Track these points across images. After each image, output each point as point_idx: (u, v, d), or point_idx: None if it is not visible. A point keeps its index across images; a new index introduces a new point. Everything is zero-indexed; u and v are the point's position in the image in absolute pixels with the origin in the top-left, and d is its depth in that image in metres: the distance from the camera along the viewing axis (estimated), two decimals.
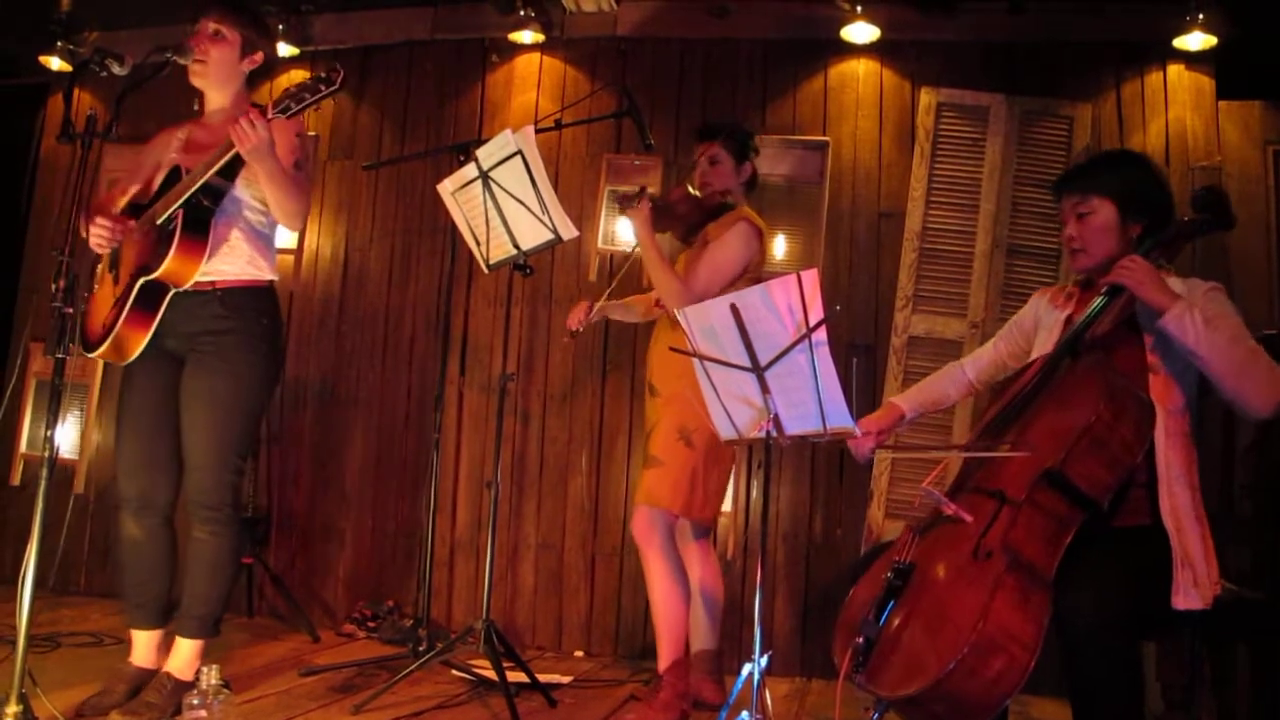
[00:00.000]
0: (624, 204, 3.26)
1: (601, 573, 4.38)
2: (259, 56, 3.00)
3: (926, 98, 4.33)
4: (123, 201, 2.93)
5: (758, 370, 2.31)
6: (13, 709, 2.33)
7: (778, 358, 2.25)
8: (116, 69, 2.66)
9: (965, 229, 4.25)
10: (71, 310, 2.47)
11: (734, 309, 2.29)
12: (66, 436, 4.93)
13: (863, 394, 4.09)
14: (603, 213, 4.53)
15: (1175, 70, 4.24)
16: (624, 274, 3.58)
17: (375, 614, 4.38)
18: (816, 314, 2.17)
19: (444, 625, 4.42)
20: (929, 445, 2.50)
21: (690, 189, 3.32)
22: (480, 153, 3.12)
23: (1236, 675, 2.71)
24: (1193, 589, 2.17)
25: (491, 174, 3.10)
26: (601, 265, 4.52)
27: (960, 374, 2.81)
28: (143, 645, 2.94)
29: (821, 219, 4.37)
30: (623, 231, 4.51)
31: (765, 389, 2.32)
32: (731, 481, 4.22)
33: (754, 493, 4.25)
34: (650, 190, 3.29)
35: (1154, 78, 4.26)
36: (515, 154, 3.03)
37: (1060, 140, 4.23)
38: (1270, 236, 4.19)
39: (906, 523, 2.43)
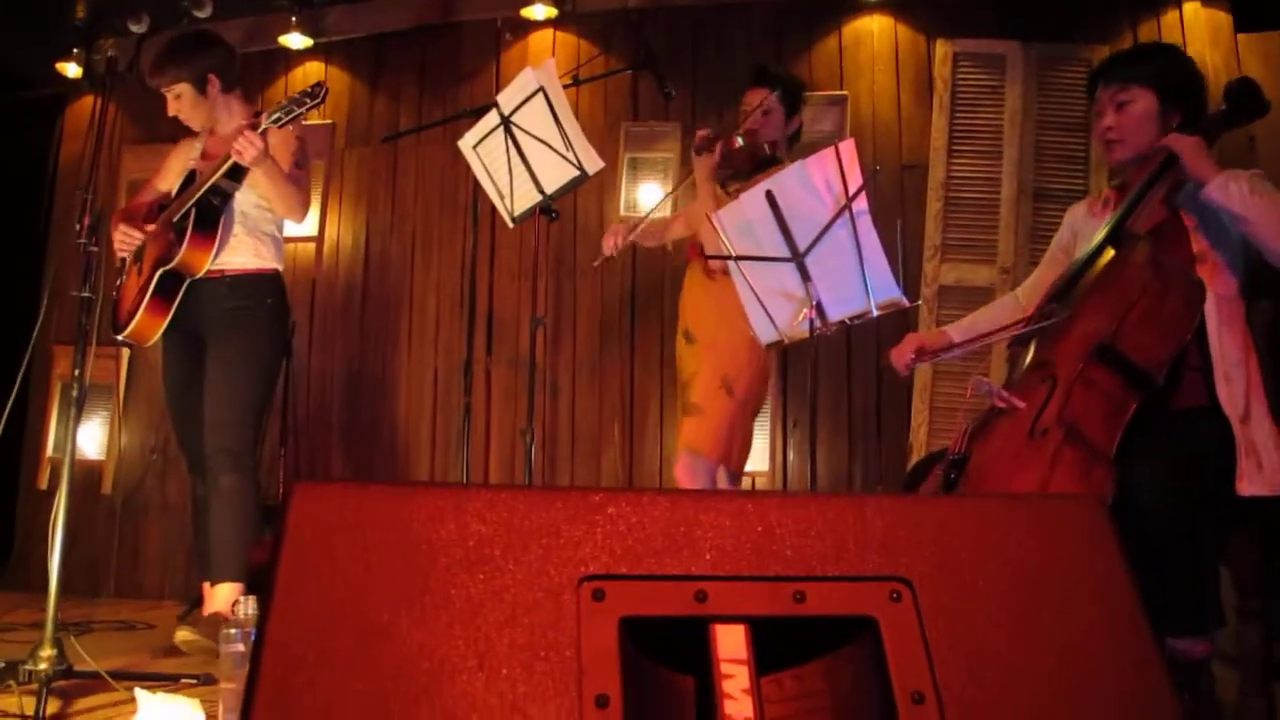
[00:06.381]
0: (700, 146, 3.21)
1: None
2: (213, 79, 3.15)
3: (943, 49, 4.31)
4: (146, 207, 3.22)
5: (797, 258, 2.27)
6: (47, 653, 2.31)
7: (819, 237, 2.21)
8: (135, 28, 3.02)
9: (990, 176, 4.20)
10: (90, 296, 2.57)
11: (769, 195, 2.26)
12: (92, 438, 4.90)
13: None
14: (623, 182, 4.50)
15: (1191, 8, 4.22)
16: (646, 225, 3.50)
17: None
18: (856, 182, 2.13)
19: None
20: (972, 339, 2.41)
21: (740, 140, 3.25)
22: (501, 98, 3.11)
23: None
24: (1258, 475, 2.11)
25: (513, 119, 3.08)
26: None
27: (1013, 300, 2.75)
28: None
29: None
30: (644, 198, 4.49)
31: (806, 276, 2.28)
32: (766, 440, 4.16)
33: (790, 454, 4.17)
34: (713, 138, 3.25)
35: (1170, 17, 4.24)
36: (537, 92, 3.02)
37: (1080, 83, 4.17)
38: None
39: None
